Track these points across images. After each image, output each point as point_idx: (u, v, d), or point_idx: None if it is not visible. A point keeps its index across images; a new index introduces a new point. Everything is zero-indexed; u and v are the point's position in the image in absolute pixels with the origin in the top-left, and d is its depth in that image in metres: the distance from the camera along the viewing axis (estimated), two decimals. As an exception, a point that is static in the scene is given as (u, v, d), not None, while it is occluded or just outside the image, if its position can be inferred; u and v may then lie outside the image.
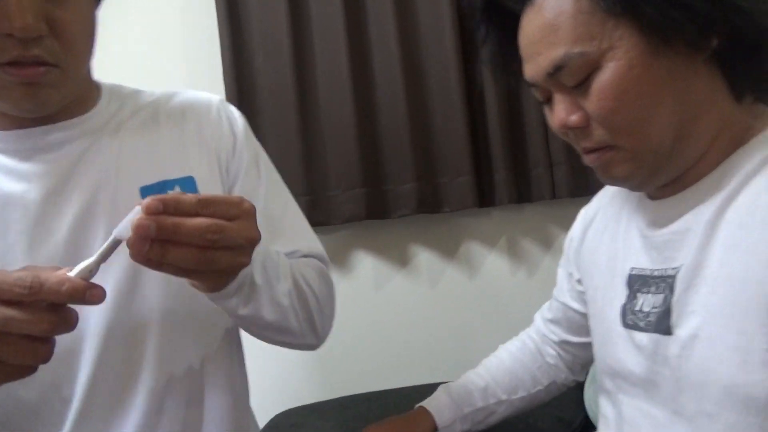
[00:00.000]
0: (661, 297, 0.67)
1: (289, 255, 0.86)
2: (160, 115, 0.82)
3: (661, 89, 0.61)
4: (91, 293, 0.51)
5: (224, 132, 0.86)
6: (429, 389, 1.05)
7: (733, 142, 0.65)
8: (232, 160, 0.85)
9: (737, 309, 0.58)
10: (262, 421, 1.64)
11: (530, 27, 0.66)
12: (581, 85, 0.63)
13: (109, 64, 1.76)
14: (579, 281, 0.92)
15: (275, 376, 1.81)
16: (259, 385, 1.81)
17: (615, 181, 0.70)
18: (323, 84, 1.74)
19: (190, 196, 0.52)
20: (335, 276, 1.82)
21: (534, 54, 0.66)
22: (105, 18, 1.83)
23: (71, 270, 0.51)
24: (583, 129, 0.66)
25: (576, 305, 0.96)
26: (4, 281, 0.49)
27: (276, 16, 1.72)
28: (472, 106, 1.75)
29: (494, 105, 1.73)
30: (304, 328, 0.82)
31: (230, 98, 1.70)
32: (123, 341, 0.73)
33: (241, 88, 1.72)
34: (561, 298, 0.99)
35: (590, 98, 0.63)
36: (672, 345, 0.65)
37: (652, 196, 0.73)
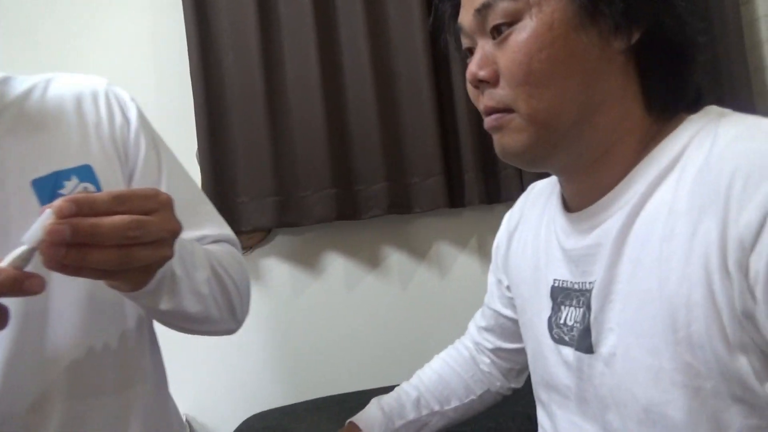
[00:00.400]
0: (581, 312, 0.67)
1: (199, 241, 0.83)
2: (41, 103, 0.75)
3: (572, 63, 0.61)
4: (30, 282, 0.47)
5: (116, 118, 0.81)
6: (401, 390, 1.05)
7: (639, 148, 0.64)
8: (130, 147, 0.81)
9: (646, 326, 0.58)
10: (234, 423, 1.62)
11: None
12: (500, 37, 0.63)
13: (74, 62, 1.73)
14: (508, 288, 0.91)
15: (247, 379, 1.79)
16: (231, 387, 1.80)
17: (508, 154, 0.67)
18: (293, 84, 1.73)
19: (104, 194, 0.49)
20: (305, 277, 1.82)
21: None
22: (71, 16, 1.80)
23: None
24: (490, 86, 0.65)
25: (508, 312, 0.95)
26: None
27: (245, 15, 1.71)
28: (441, 106, 1.76)
29: (464, 105, 1.74)
30: (224, 315, 0.81)
31: (198, 98, 1.68)
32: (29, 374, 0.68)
33: (209, 87, 1.70)
34: (492, 306, 0.98)
35: (505, 51, 0.62)
36: (595, 363, 0.64)
37: (568, 208, 0.72)
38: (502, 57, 0.63)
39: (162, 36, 1.79)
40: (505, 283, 0.92)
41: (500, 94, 0.64)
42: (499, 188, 1.80)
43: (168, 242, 0.56)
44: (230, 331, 0.86)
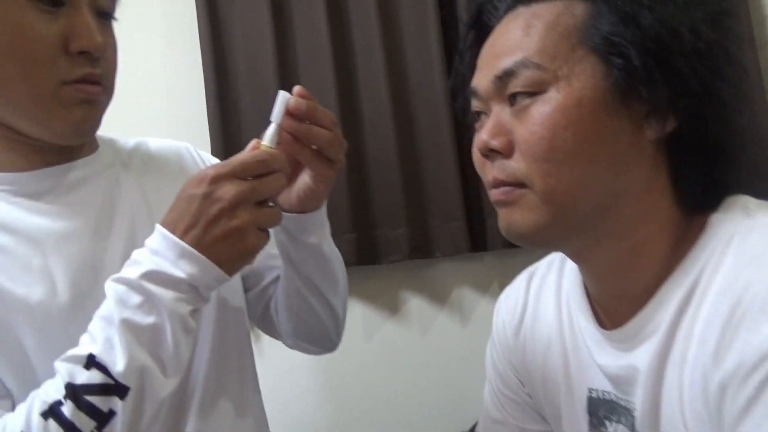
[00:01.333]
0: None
1: None
2: (150, 155, 0.85)
3: (599, 146, 0.56)
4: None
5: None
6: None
7: (669, 250, 0.59)
8: None
9: None
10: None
11: (502, 30, 0.62)
12: (518, 106, 0.58)
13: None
14: (521, 383, 0.81)
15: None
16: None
17: (514, 233, 0.61)
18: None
19: (310, 102, 0.68)
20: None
21: (491, 57, 0.61)
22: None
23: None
24: (502, 156, 0.60)
25: (527, 424, 0.81)
26: (243, 161, 0.62)
27: (263, 57, 1.71)
28: (462, 149, 1.73)
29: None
30: (341, 296, 0.88)
31: (214, 138, 1.68)
32: None
33: (226, 129, 1.70)
34: (498, 415, 0.84)
35: (524, 122, 0.58)
36: None
37: (595, 312, 0.68)
38: (521, 128, 0.58)
39: (178, 72, 1.79)
40: (514, 379, 0.82)
41: (513, 167, 0.59)
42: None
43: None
44: (332, 341, 0.92)
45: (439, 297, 1.83)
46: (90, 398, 0.56)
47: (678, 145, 0.58)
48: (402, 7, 1.75)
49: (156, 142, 0.89)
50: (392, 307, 1.81)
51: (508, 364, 0.82)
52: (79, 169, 0.74)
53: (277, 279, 0.90)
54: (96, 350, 0.57)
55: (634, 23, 0.55)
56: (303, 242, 0.79)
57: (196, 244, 0.60)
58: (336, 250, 0.86)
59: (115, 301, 0.59)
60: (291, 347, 0.95)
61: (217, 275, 0.61)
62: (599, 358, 0.65)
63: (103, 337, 0.58)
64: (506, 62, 0.59)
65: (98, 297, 0.62)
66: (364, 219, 1.70)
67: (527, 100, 0.58)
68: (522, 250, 1.78)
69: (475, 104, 0.65)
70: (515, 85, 0.58)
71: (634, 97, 0.56)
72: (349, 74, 1.74)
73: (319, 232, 0.80)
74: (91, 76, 0.68)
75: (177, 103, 1.78)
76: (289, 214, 0.76)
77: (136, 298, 0.59)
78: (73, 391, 0.56)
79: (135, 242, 0.72)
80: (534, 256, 1.79)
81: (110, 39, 0.72)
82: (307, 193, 0.75)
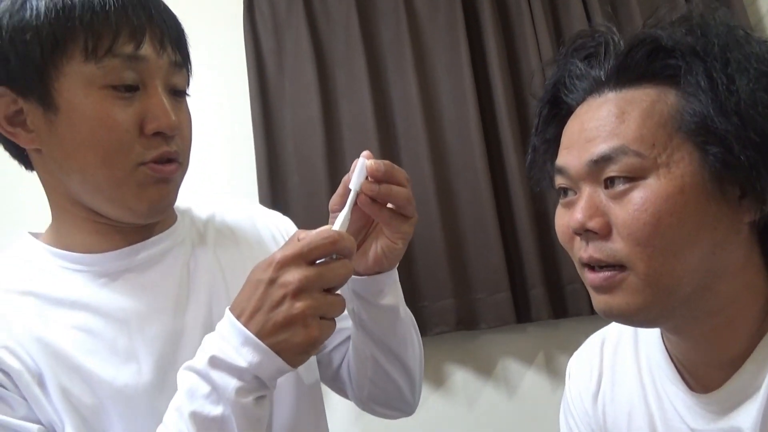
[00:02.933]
0: None
1: None
2: (227, 228, 0.85)
3: (702, 230, 0.57)
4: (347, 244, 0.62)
5: (281, 230, 0.90)
6: None
7: (761, 317, 0.60)
8: None
9: None
10: None
11: (592, 113, 0.62)
12: (616, 190, 0.59)
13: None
14: None
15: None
16: None
17: (615, 315, 0.61)
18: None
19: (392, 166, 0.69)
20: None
21: (584, 140, 0.61)
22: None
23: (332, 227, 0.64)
24: (598, 237, 0.60)
25: None
26: (312, 242, 0.59)
27: (311, 139, 1.81)
28: (504, 222, 1.78)
29: (526, 222, 1.75)
30: (417, 358, 0.86)
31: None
32: None
33: (275, 208, 1.77)
34: None
35: (625, 206, 0.58)
36: None
37: (685, 379, 0.68)
38: (620, 212, 0.58)
39: (230, 142, 1.89)
40: None
41: (613, 248, 0.59)
42: (566, 302, 1.76)
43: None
44: (409, 405, 0.89)
45: (484, 369, 1.82)
46: None
47: None
48: (443, 93, 1.85)
49: (232, 210, 0.88)
50: (438, 380, 1.81)
51: None
52: (158, 244, 0.75)
53: (346, 340, 0.89)
54: None
55: (734, 115, 0.55)
56: (378, 305, 0.77)
57: (259, 331, 0.58)
58: (408, 311, 0.84)
59: (185, 392, 0.59)
60: (364, 410, 0.92)
61: (279, 366, 0.59)
62: (693, 423, 0.65)
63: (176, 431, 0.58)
64: (603, 148, 0.59)
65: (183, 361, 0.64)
66: (411, 292, 1.73)
67: (626, 185, 0.58)
68: (566, 320, 1.79)
69: (561, 181, 0.65)
70: (612, 170, 0.59)
71: (727, 181, 0.56)
72: (393, 156, 1.82)
73: (395, 292, 0.78)
74: (166, 154, 0.69)
75: (229, 183, 1.87)
76: (364, 277, 0.75)
77: (203, 389, 0.58)
78: None
79: (212, 316, 0.74)
80: (580, 325, 1.78)
81: (184, 115, 0.72)
82: (386, 252, 0.74)
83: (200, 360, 0.59)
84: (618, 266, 0.59)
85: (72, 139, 0.65)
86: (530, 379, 1.81)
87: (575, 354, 0.86)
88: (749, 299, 0.60)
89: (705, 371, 0.65)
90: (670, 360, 0.69)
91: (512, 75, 1.85)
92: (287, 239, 0.85)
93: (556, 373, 1.80)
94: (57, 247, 0.71)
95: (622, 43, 0.63)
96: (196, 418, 0.57)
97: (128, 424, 0.65)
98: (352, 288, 0.76)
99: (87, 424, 0.63)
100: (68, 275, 0.70)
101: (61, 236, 0.72)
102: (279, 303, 0.58)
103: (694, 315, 0.61)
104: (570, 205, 0.64)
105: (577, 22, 1.83)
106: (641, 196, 0.57)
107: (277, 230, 0.89)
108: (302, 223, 1.85)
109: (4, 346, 0.62)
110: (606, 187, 0.60)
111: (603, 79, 0.63)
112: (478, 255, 1.76)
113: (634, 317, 0.60)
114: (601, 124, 0.61)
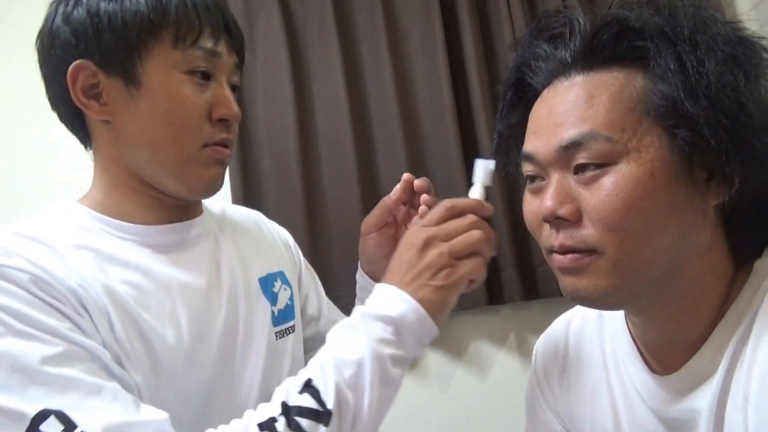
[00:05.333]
0: None
1: None
2: (235, 220, 0.92)
3: (671, 214, 0.57)
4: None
5: (281, 236, 0.99)
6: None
7: (722, 297, 0.61)
8: (296, 260, 0.98)
9: None
10: None
11: (559, 97, 0.62)
12: (586, 176, 0.59)
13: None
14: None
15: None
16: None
17: (583, 297, 0.61)
18: (331, 185, 1.79)
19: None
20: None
21: (552, 125, 0.61)
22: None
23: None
24: (569, 224, 0.60)
25: None
26: (452, 224, 0.66)
27: (284, 121, 1.79)
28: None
29: (498, 204, 1.76)
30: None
31: (236, 199, 1.73)
32: None
33: (246, 190, 1.76)
34: None
35: (595, 192, 0.58)
36: None
37: (646, 359, 0.68)
38: (591, 198, 0.58)
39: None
40: (559, 427, 0.82)
41: (584, 234, 0.59)
42: (537, 284, 1.78)
43: None
44: None
45: (456, 351, 1.83)
46: (299, 419, 0.60)
47: (738, 207, 0.59)
48: (417, 75, 1.85)
49: (234, 209, 0.97)
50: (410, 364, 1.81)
51: (553, 413, 0.82)
52: (196, 226, 0.82)
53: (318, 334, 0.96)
54: (313, 375, 0.62)
55: (704, 97, 0.55)
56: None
57: (400, 283, 0.65)
58: None
59: (330, 340, 0.65)
60: None
61: (421, 316, 0.63)
62: (653, 404, 0.66)
63: (320, 365, 0.62)
64: (572, 133, 0.59)
65: (207, 343, 0.73)
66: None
67: (596, 171, 0.58)
68: (537, 302, 1.80)
69: (529, 168, 0.64)
70: (582, 156, 0.58)
71: (696, 164, 0.56)
72: (366, 138, 1.81)
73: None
74: (226, 140, 0.77)
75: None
76: None
77: (348, 335, 0.64)
78: (287, 410, 0.60)
79: (235, 296, 0.80)
80: (552, 307, 1.81)
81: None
82: None
83: (352, 317, 0.65)
84: (587, 251, 0.59)
85: (150, 114, 0.72)
86: (502, 361, 1.83)
87: (542, 336, 0.86)
88: (713, 281, 0.61)
89: (667, 353, 0.65)
90: (633, 341, 0.70)
91: (487, 58, 1.84)
92: (289, 245, 0.99)
93: (527, 354, 1.82)
94: (104, 214, 0.75)
95: (587, 24, 0.62)
96: (337, 359, 0.62)
97: (159, 379, 0.69)
98: None
99: (142, 368, 0.67)
100: (115, 240, 0.74)
101: (109, 205, 0.76)
102: (414, 261, 0.66)
103: (660, 297, 0.61)
104: (538, 192, 0.63)
105: (553, 4, 1.83)
106: (612, 181, 0.57)
107: (278, 235, 0.97)
108: (274, 208, 1.84)
109: (79, 284, 0.65)
110: (575, 173, 0.60)
111: (569, 61, 0.63)
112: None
113: (602, 300, 0.61)
114: (570, 108, 0.60)
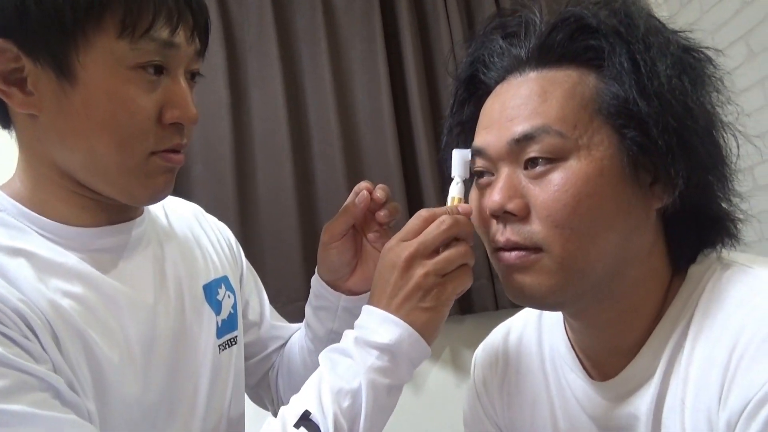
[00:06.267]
0: None
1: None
2: (180, 218, 0.84)
3: (618, 215, 0.57)
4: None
5: (223, 234, 0.91)
6: None
7: (660, 302, 0.62)
8: (238, 262, 0.91)
9: None
10: None
11: (513, 92, 0.62)
12: (536, 170, 0.58)
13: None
14: None
15: None
16: None
17: (526, 296, 0.61)
18: (266, 193, 1.74)
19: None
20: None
21: (505, 119, 0.61)
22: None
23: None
24: (516, 219, 0.59)
25: None
26: (430, 235, 0.61)
27: (219, 128, 1.74)
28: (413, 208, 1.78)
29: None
30: None
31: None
32: None
33: (177, 195, 1.69)
34: None
35: (545, 187, 0.57)
36: None
37: (584, 365, 0.68)
38: (540, 193, 0.58)
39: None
40: None
41: (531, 230, 0.58)
42: (471, 298, 1.78)
43: None
44: None
45: (430, 357, 1.81)
46: None
47: (678, 211, 0.59)
48: (357, 84, 1.84)
49: (174, 204, 0.87)
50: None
51: (494, 425, 0.81)
52: (137, 227, 0.72)
53: (280, 348, 0.92)
54: (310, 406, 0.59)
55: (654, 98, 0.56)
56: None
57: (391, 309, 0.61)
58: None
59: (327, 366, 0.61)
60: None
61: (415, 341, 0.61)
62: (591, 411, 0.66)
63: (317, 395, 0.60)
64: (525, 126, 0.58)
65: (156, 363, 0.67)
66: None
67: (547, 166, 0.58)
68: (471, 316, 1.80)
69: (479, 163, 0.64)
70: (534, 150, 0.58)
71: (642, 166, 0.57)
72: (304, 146, 1.79)
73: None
74: (179, 145, 0.66)
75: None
76: (359, 295, 0.79)
77: (345, 363, 0.61)
78: None
79: (182, 308, 0.73)
80: (486, 320, 1.81)
81: (194, 101, 0.69)
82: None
83: (344, 342, 0.63)
84: (533, 248, 0.59)
85: (87, 117, 0.60)
86: (436, 375, 1.83)
87: (480, 346, 0.85)
88: (652, 285, 0.62)
89: (605, 359, 0.65)
90: (571, 348, 0.70)
91: (426, 68, 1.86)
92: (231, 245, 0.91)
93: (461, 368, 1.82)
94: (33, 211, 0.65)
95: (543, 22, 0.63)
96: (334, 388, 0.59)
97: (118, 405, 0.63)
98: (344, 306, 0.79)
99: (91, 393, 0.61)
100: (49, 243, 0.64)
101: (37, 201, 0.65)
102: (401, 283, 0.62)
103: (601, 299, 0.61)
104: (487, 187, 0.63)
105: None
106: (562, 177, 0.57)
107: (220, 232, 0.89)
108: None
109: (22, 300, 0.57)
110: (526, 168, 0.59)
111: (524, 59, 0.63)
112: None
113: (546, 299, 0.60)
114: (523, 102, 0.60)
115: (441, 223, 0.61)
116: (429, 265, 0.61)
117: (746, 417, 0.50)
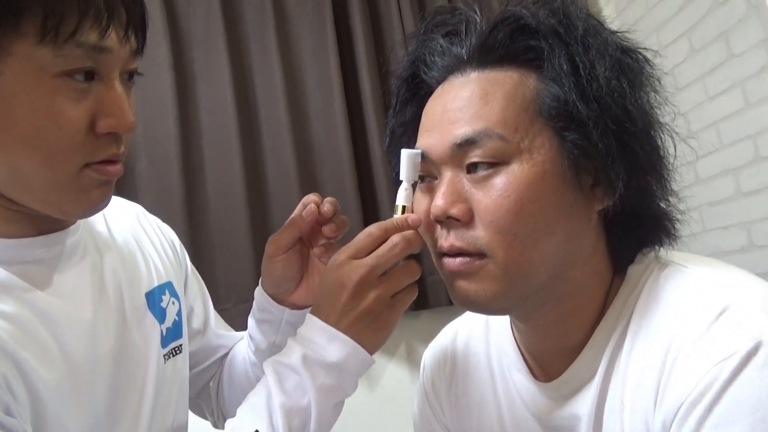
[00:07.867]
0: None
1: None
2: (120, 221, 0.79)
3: (559, 219, 0.58)
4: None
5: (166, 237, 0.87)
6: None
7: (601, 302, 0.62)
8: (183, 266, 0.88)
9: None
10: None
11: (454, 93, 0.61)
12: (478, 175, 0.58)
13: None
14: None
15: None
16: None
17: (471, 302, 0.60)
18: (215, 191, 1.70)
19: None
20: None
21: (447, 122, 0.60)
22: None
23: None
24: (460, 224, 0.58)
25: None
26: (382, 259, 0.61)
27: (164, 122, 1.68)
28: (367, 213, 1.77)
29: (389, 213, 1.74)
30: None
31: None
32: None
33: (120, 193, 1.63)
34: None
35: (488, 192, 0.57)
36: None
37: (529, 364, 0.68)
38: (484, 198, 0.57)
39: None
40: None
41: (475, 236, 0.58)
42: (426, 294, 1.78)
43: None
44: None
45: (385, 352, 1.82)
46: None
47: (619, 213, 0.60)
48: (308, 79, 1.81)
49: (113, 205, 0.78)
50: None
51: (442, 426, 0.81)
52: (72, 235, 0.67)
53: (223, 357, 0.90)
54: (260, 426, 0.59)
55: (594, 101, 0.56)
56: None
57: (340, 326, 0.61)
58: None
59: (274, 382, 0.61)
60: (217, 426, 0.92)
61: (363, 357, 0.62)
62: (536, 411, 0.66)
63: (267, 414, 0.60)
64: (466, 130, 0.58)
65: (96, 381, 0.63)
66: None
67: (489, 170, 0.57)
68: (426, 311, 1.81)
69: (422, 167, 0.63)
70: (476, 155, 0.57)
71: (583, 169, 0.57)
72: (254, 143, 1.75)
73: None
74: (114, 156, 0.60)
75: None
76: (302, 310, 0.77)
77: (293, 379, 0.61)
78: None
79: (123, 319, 0.70)
80: (441, 316, 1.81)
81: (132, 103, 0.63)
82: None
83: (291, 357, 0.62)
84: (477, 254, 0.58)
85: (7, 130, 0.55)
86: (391, 371, 1.82)
87: (429, 347, 0.85)
88: (594, 286, 0.62)
89: (549, 359, 0.66)
90: (517, 349, 0.70)
91: (378, 63, 1.84)
92: (175, 248, 0.87)
93: (416, 364, 1.82)
94: None
95: (483, 22, 0.62)
96: (285, 406, 0.59)
97: (60, 425, 0.60)
98: (287, 320, 0.77)
99: (26, 416, 0.57)
100: None
101: None
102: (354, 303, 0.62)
103: (545, 301, 0.61)
104: (430, 190, 0.62)
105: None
106: (504, 182, 0.57)
107: (163, 234, 0.86)
108: (151, 211, 1.72)
109: None
110: (468, 172, 0.59)
111: (465, 58, 0.62)
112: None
113: (491, 305, 0.60)
114: (465, 105, 0.59)
115: (394, 247, 0.61)
116: (381, 288, 0.61)
117: (679, 418, 0.51)
